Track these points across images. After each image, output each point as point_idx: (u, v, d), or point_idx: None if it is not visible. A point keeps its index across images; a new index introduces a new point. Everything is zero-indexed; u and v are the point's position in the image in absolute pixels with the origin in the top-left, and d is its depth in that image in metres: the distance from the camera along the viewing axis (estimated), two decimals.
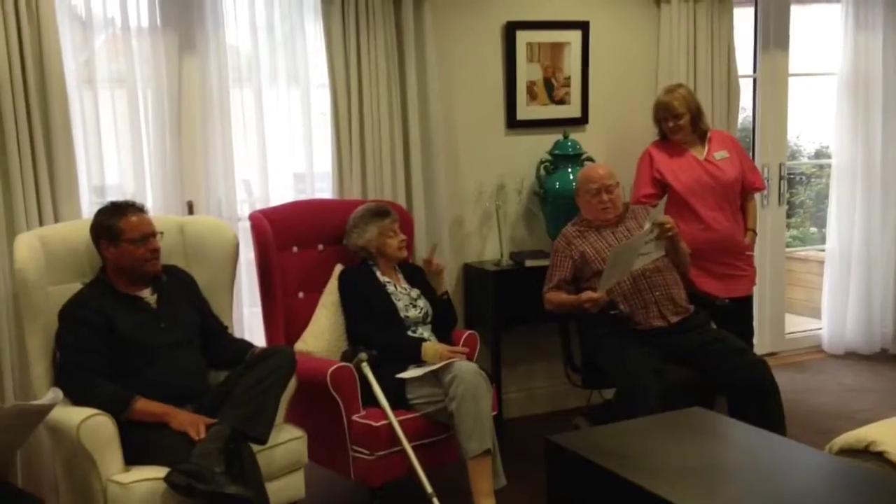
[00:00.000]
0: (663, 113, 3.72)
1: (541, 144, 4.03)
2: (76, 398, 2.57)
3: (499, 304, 3.80)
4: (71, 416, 2.49)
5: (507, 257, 3.95)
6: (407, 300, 3.30)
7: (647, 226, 3.24)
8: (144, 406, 2.61)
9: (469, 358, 3.16)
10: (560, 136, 4.02)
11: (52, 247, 2.81)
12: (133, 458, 2.55)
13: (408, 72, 3.71)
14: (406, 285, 3.36)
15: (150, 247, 2.79)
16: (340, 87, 3.60)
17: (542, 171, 4.00)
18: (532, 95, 4.09)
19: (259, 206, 3.55)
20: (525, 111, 4.08)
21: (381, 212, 3.34)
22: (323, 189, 3.77)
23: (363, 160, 3.68)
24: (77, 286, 2.80)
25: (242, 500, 2.42)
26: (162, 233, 2.86)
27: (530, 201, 4.09)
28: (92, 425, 2.47)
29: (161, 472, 2.45)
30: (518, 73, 4.03)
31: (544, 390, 4.22)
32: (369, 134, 3.67)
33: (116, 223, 2.76)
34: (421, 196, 3.80)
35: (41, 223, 3.08)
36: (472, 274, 3.98)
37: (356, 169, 3.67)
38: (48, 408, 2.36)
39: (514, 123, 4.07)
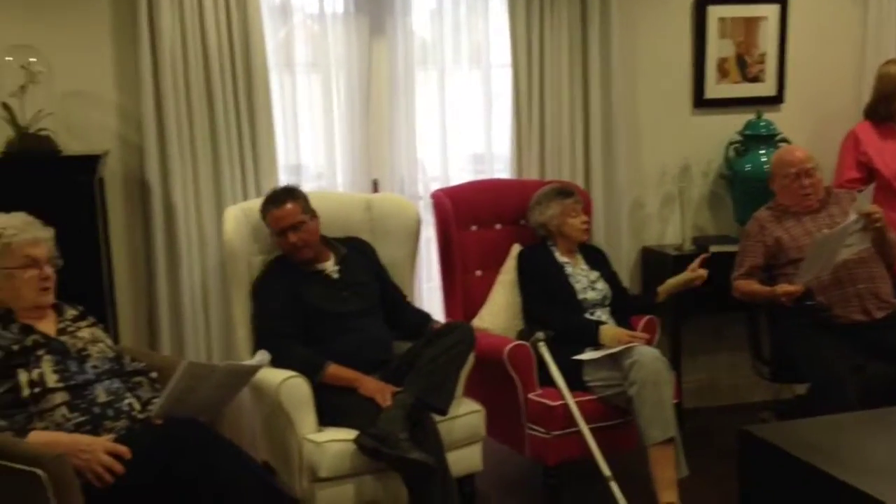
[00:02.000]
0: None
1: (731, 124, 3.83)
2: (273, 361, 2.71)
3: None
4: (271, 376, 2.65)
5: (690, 242, 3.80)
6: (585, 282, 3.26)
7: (853, 216, 3.00)
8: (335, 371, 2.74)
9: (649, 344, 3.07)
10: (752, 116, 3.81)
11: (255, 220, 2.99)
12: (324, 419, 2.69)
13: (590, 49, 3.64)
14: (585, 267, 3.31)
15: (289, 240, 2.87)
16: (522, 67, 3.60)
17: (732, 153, 3.81)
18: (722, 73, 3.90)
19: (437, 186, 3.62)
20: (714, 89, 3.90)
21: (565, 191, 3.32)
22: (501, 170, 3.78)
23: (542, 140, 3.66)
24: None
25: (425, 467, 2.50)
26: (315, 216, 2.92)
27: (717, 184, 3.91)
28: (290, 386, 2.63)
29: (351, 434, 2.58)
30: (708, 49, 3.85)
31: (726, 382, 4.03)
32: (549, 113, 3.64)
33: (265, 216, 2.91)
34: (600, 177, 3.72)
35: (245, 198, 3.29)
36: (651, 258, 3.87)
37: (535, 149, 3.65)
38: (256, 369, 2.52)
39: (701, 102, 3.90)
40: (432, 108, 3.67)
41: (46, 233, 2.43)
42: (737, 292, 3.26)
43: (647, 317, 3.27)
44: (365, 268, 3.02)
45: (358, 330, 2.88)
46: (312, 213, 2.93)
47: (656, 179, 3.89)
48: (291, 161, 3.56)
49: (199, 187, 3.27)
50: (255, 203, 3.14)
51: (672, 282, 3.23)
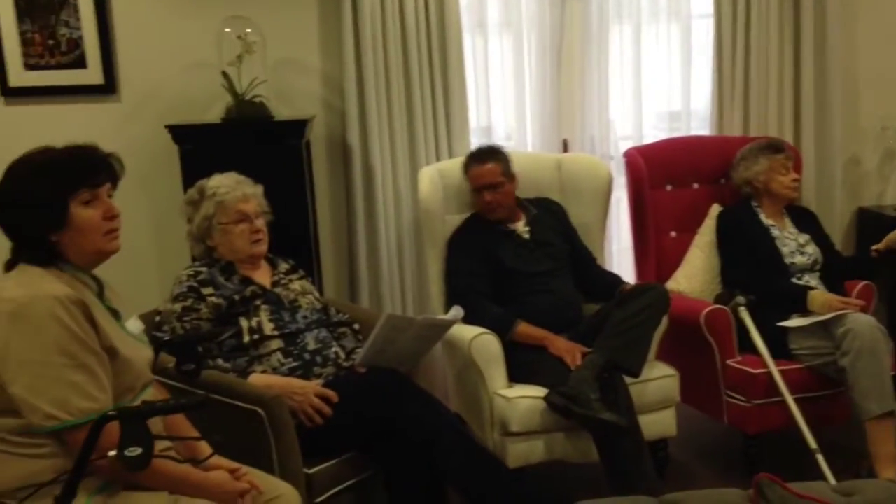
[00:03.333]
0: None
1: None
2: (466, 318, 2.76)
3: None
4: (464, 332, 2.72)
5: None
6: (794, 245, 3.05)
7: None
8: (525, 329, 2.77)
9: (864, 311, 2.84)
10: None
11: (448, 180, 3.06)
12: (513, 376, 2.72)
13: None
14: (793, 229, 3.10)
15: (484, 198, 2.89)
16: (726, 15, 3.39)
17: None
18: None
19: (628, 145, 3.51)
20: None
21: (775, 146, 3.13)
22: (698, 128, 3.61)
23: (746, 93, 3.45)
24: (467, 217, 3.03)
25: (616, 427, 2.47)
26: (513, 179, 2.91)
27: None
28: (482, 342, 2.68)
29: (540, 391, 2.59)
30: None
31: None
32: (755, 65, 3.42)
33: (466, 171, 2.94)
34: (811, 132, 3.46)
35: (437, 159, 3.36)
36: (869, 219, 3.56)
37: (738, 103, 3.45)
38: (451, 323, 2.60)
39: None
40: (626, 65, 3.56)
41: (256, 189, 2.61)
42: None
43: (863, 282, 3.01)
44: (555, 228, 3.01)
45: (548, 290, 2.88)
46: (511, 176, 2.95)
47: (876, 133, 3.57)
48: (482, 123, 3.58)
49: (395, 149, 3.38)
50: (449, 164, 3.21)
51: (892, 236, 2.94)
